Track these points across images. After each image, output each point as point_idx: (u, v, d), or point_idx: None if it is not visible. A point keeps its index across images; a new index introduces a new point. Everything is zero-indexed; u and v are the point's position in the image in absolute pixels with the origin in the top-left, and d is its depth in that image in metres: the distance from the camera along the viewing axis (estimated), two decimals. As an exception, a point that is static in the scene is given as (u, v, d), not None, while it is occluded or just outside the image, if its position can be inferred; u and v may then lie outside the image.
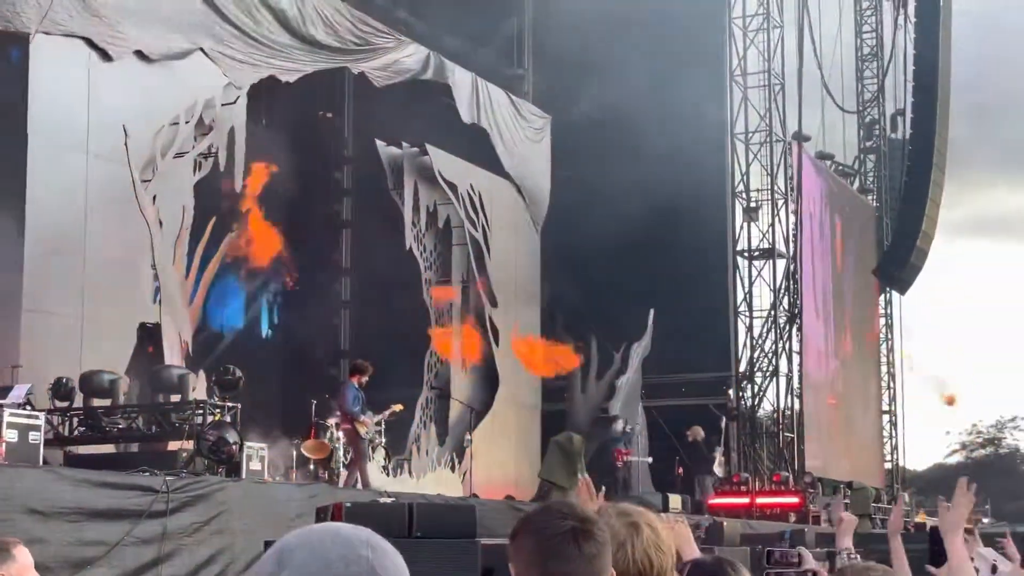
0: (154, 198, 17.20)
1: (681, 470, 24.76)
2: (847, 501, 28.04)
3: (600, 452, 23.93)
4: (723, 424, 27.19)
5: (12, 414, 11.97)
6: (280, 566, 1.79)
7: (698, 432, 24.43)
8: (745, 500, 24.80)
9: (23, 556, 5.27)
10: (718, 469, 24.94)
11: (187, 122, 17.79)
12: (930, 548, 5.41)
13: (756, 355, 28.66)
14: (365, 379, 16.60)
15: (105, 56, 16.55)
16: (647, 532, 2.96)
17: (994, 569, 5.58)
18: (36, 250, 15.98)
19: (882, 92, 36.44)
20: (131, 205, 16.65)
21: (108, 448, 15.44)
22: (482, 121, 23.84)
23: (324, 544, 1.80)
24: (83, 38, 16.30)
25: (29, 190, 15.84)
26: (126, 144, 16.58)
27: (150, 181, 17.19)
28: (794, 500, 25.85)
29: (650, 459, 23.99)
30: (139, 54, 17.03)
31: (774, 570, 4.76)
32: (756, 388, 28.64)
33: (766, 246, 28.87)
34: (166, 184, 17.52)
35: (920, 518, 30.28)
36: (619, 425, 23.07)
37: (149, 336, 17.09)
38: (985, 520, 41.20)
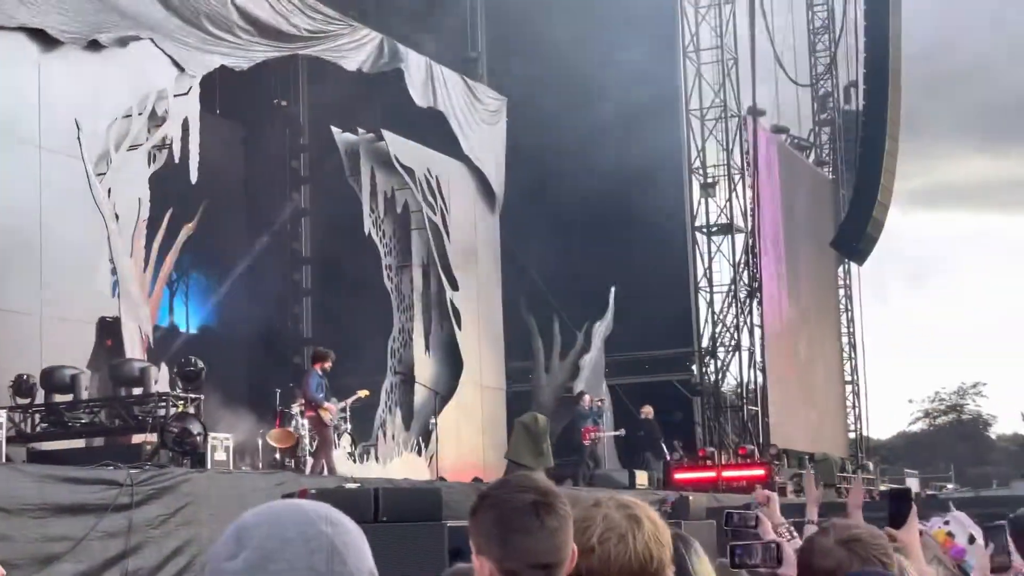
0: (109, 191, 17.08)
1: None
2: (812, 471, 28.28)
3: (568, 431, 24.03)
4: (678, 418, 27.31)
5: (-27, 412, 11.89)
6: (239, 545, 1.76)
7: (648, 411, 24.81)
8: (711, 474, 24.95)
9: None
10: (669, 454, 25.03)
11: (140, 114, 17.65)
12: (889, 511, 5.48)
13: (718, 330, 28.81)
14: (328, 366, 16.58)
15: (55, 46, 16.41)
16: (647, 525, 2.92)
17: (971, 539, 5.55)
18: (-9, 247, 15.84)
19: (834, 64, 36.65)
20: (86, 199, 16.52)
21: (71, 443, 15.35)
22: (438, 104, 23.80)
23: (282, 521, 1.77)
24: (32, 30, 16.15)
25: (-18, 186, 15.70)
26: (79, 138, 16.45)
27: (105, 174, 17.06)
28: (760, 472, 26.01)
29: (622, 431, 24.11)
30: (91, 45, 16.89)
31: (731, 530, 4.77)
32: (719, 363, 28.80)
33: (724, 221, 29.00)
34: (121, 177, 17.39)
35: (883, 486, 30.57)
36: (586, 401, 23.11)
37: (109, 330, 17.00)
38: (949, 486, 41.68)
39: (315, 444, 16.72)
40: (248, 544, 1.76)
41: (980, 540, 5.13)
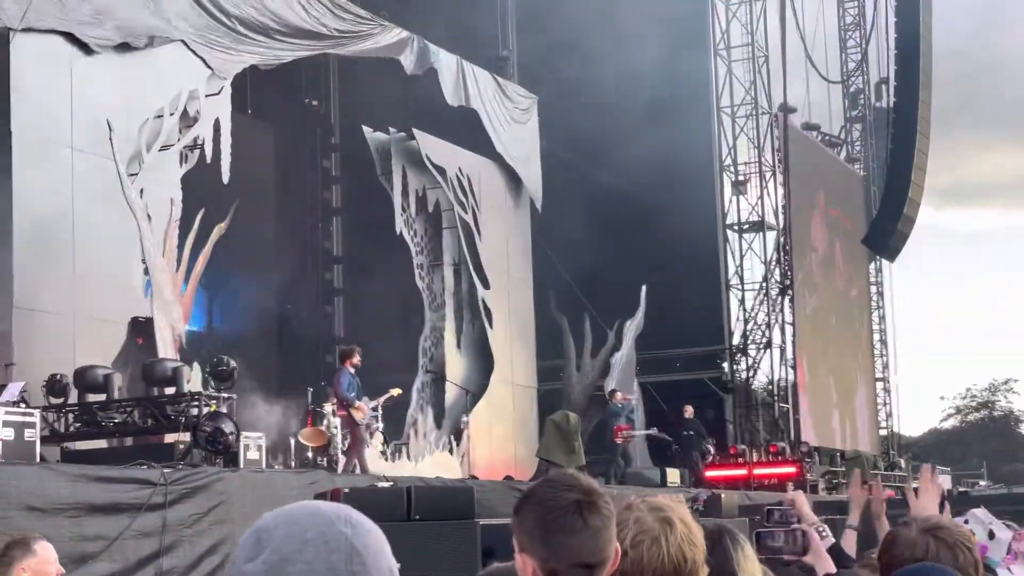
0: (141, 192, 17.16)
1: (677, 446, 24.82)
2: (843, 469, 28.16)
3: (599, 429, 23.99)
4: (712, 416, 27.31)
5: (7, 412, 11.97)
6: (259, 547, 1.76)
7: (690, 410, 24.89)
8: (743, 471, 24.88)
9: (44, 551, 5.33)
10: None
11: (171, 114, 17.72)
12: None
13: (749, 327, 28.73)
14: (357, 360, 16.60)
15: (86, 50, 16.50)
16: (680, 527, 2.92)
17: (991, 535, 5.56)
18: (25, 248, 15.94)
19: (865, 61, 36.47)
20: (118, 199, 16.60)
21: (104, 443, 15.44)
22: (470, 103, 23.79)
23: (301, 522, 1.78)
24: (64, 33, 16.25)
25: (15, 188, 15.80)
26: (111, 138, 16.53)
27: (137, 175, 17.14)
28: (791, 470, 25.94)
29: (654, 429, 24.06)
30: (122, 46, 16.97)
31: (770, 529, 4.78)
32: (750, 360, 28.71)
33: (755, 219, 28.91)
34: (153, 177, 17.47)
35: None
36: (617, 399, 23.06)
37: (141, 330, 17.08)
38: (981, 483, 41.40)
39: (347, 443, 16.74)
40: (267, 546, 1.76)
41: (1000, 535, 5.11)
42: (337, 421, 16.81)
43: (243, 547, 1.79)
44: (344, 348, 17.32)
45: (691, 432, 24.46)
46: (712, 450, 25.53)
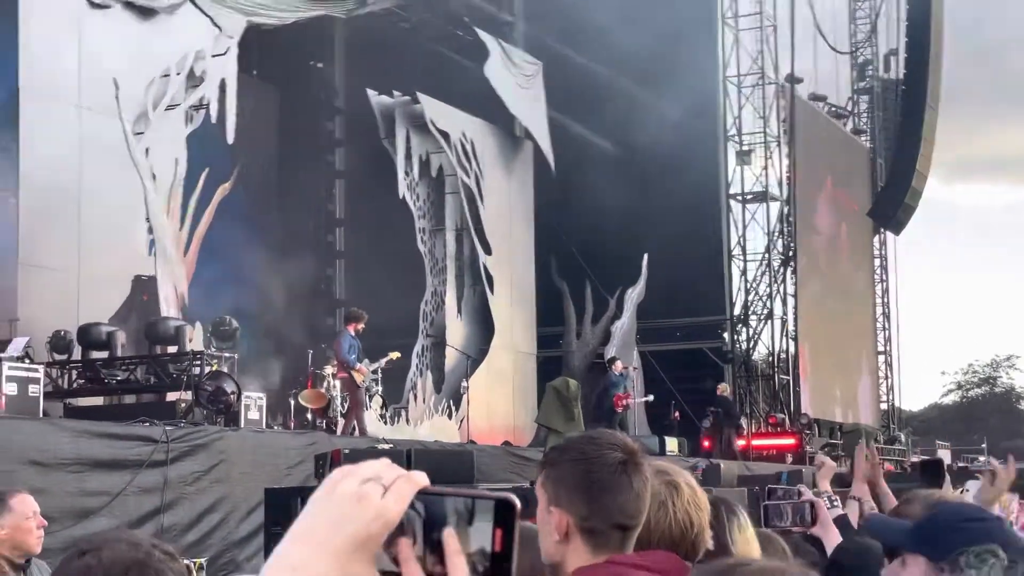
0: (147, 151, 17.19)
1: (678, 414, 24.92)
2: (842, 442, 28.26)
3: (600, 397, 24.06)
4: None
5: (11, 367, 12.04)
6: None
7: (724, 388, 25.32)
8: (742, 442, 24.96)
9: (20, 505, 5.24)
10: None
11: (178, 74, 17.73)
12: (923, 479, 5.67)
13: (751, 298, 28.74)
14: (361, 327, 16.65)
15: (94, 5, 16.49)
16: (686, 491, 2.93)
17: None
18: (31, 204, 15.99)
19: (875, 32, 36.29)
20: (124, 158, 16.63)
21: (107, 400, 15.52)
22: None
23: None
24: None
25: (22, 145, 15.83)
26: (117, 97, 16.54)
27: (143, 134, 17.17)
28: (791, 442, 26.01)
29: (650, 397, 24.16)
30: (129, 5, 16.96)
31: (777, 502, 4.81)
32: (751, 331, 28.75)
33: (759, 189, 28.87)
34: (158, 137, 17.50)
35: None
36: (617, 367, 23.10)
37: (144, 288, 17.14)
38: (981, 458, 41.50)
39: (346, 405, 16.82)
40: None
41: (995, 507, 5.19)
42: (337, 383, 16.89)
43: None
44: (353, 311, 17.28)
45: (721, 409, 24.74)
46: (744, 426, 25.68)
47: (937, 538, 2.64)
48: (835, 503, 4.94)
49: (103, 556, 2.15)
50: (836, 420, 31.02)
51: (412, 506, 1.32)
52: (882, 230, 36.44)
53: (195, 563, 10.02)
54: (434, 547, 1.32)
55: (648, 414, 25.30)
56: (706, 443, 24.19)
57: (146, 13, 17.23)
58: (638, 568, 2.60)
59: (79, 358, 15.05)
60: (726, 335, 28.75)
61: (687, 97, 26.31)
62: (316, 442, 12.87)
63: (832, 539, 4.62)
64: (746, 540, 3.57)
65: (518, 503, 1.32)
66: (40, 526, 5.24)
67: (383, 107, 23.39)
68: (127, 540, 2.20)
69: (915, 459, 29.91)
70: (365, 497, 1.32)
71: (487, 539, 1.31)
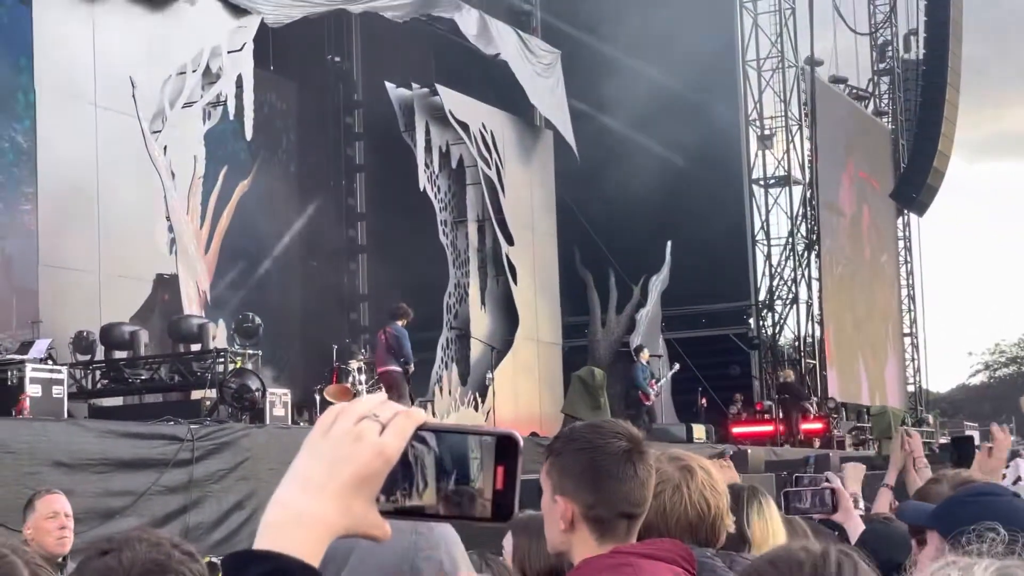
0: (165, 149, 17.14)
1: (704, 401, 24.84)
2: (869, 425, 28.09)
3: (626, 387, 23.97)
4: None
5: (35, 369, 12.02)
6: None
7: (789, 374, 25.98)
8: (769, 428, 24.86)
9: (43, 505, 5.21)
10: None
11: (194, 71, 17.66)
12: (954, 456, 5.72)
13: (775, 283, 28.60)
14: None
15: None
16: (701, 475, 2.94)
17: (1016, 480, 5.71)
18: (50, 205, 15.98)
19: (894, 12, 36.02)
20: (142, 157, 16.59)
21: (131, 399, 15.50)
22: (502, 52, 23.53)
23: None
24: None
25: (40, 145, 15.81)
26: (134, 95, 16.50)
27: (160, 132, 17.12)
28: (818, 426, 25.88)
29: (676, 366, 24.24)
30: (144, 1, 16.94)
31: (798, 489, 4.83)
32: (776, 316, 28.61)
33: (782, 173, 28.72)
34: (176, 134, 17.45)
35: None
36: (643, 356, 22.97)
37: (166, 287, 17.12)
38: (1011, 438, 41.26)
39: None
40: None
41: None
42: (363, 378, 16.85)
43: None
44: (402, 307, 17.51)
45: (788, 395, 25.09)
46: (737, 406, 25.57)
47: (948, 515, 2.73)
48: (859, 504, 4.99)
49: (123, 556, 2.14)
50: (863, 403, 30.85)
51: (423, 441, 1.31)
52: (906, 211, 36.23)
53: (220, 561, 9.96)
54: (451, 481, 1.32)
55: (675, 402, 25.21)
56: (734, 429, 24.12)
57: (158, 2, 17.17)
58: (644, 557, 2.59)
59: (102, 358, 15.03)
60: (751, 321, 28.62)
61: (707, 83, 26.17)
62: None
63: (854, 526, 4.62)
64: (764, 525, 3.57)
65: (521, 439, 1.30)
66: (61, 526, 5.19)
67: (402, 100, 23.31)
68: (148, 540, 2.19)
69: (943, 440, 29.74)
70: (362, 436, 1.30)
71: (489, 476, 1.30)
